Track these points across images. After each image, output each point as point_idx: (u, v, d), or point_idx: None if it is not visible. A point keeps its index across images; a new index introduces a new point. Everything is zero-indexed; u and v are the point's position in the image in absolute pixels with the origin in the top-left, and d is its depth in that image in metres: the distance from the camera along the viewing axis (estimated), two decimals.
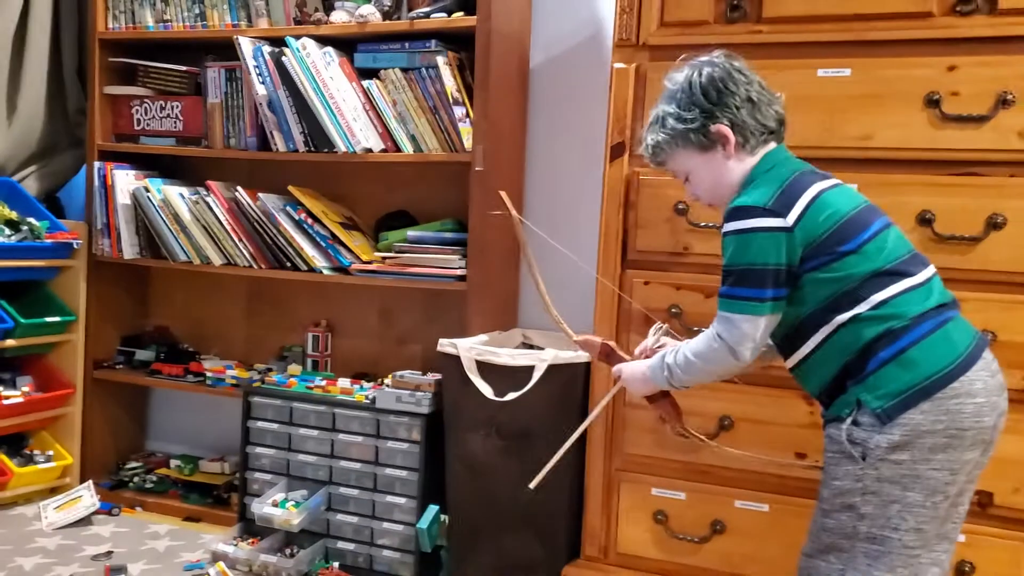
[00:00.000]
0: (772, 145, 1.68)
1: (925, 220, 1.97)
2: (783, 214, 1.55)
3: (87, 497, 2.94)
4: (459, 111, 2.64)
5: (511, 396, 2.35)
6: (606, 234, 2.27)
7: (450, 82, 2.63)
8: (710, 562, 2.20)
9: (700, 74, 1.66)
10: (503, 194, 1.92)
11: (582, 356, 2.33)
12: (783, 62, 2.07)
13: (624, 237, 2.26)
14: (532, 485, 1.86)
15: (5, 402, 2.91)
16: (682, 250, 2.20)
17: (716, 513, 2.19)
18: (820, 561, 1.57)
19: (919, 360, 1.49)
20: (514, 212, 1.90)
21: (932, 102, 1.96)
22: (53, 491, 3.07)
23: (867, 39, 2.01)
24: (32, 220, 3.01)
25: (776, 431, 2.12)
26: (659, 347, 1.82)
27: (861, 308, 1.52)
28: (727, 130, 1.65)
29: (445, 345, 2.46)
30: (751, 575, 2.16)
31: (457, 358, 2.42)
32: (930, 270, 1.59)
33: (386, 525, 2.57)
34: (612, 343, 1.88)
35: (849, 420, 1.52)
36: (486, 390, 2.39)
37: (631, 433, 2.27)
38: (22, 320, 2.93)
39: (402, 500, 2.55)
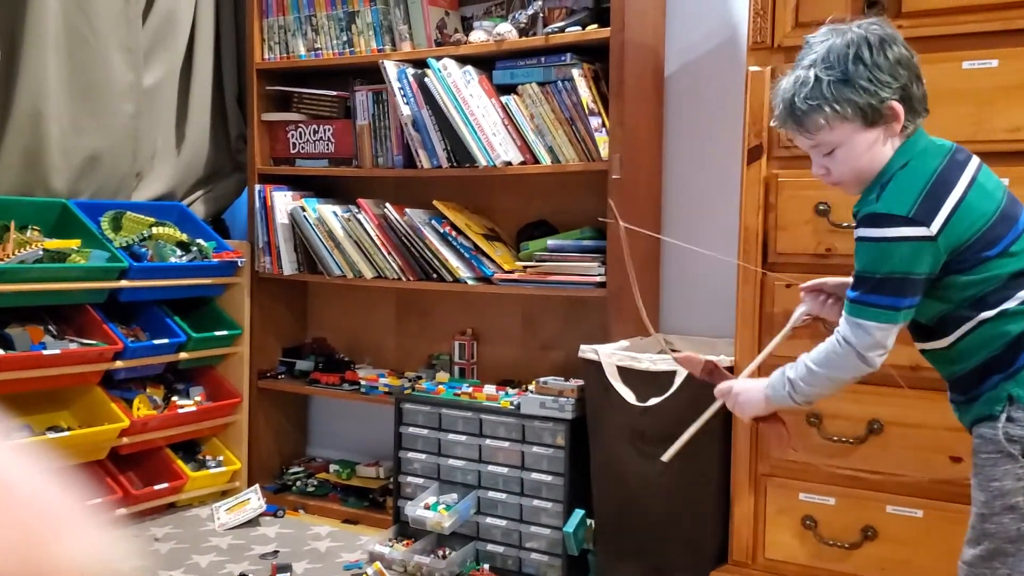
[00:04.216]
0: (912, 129, 1.56)
1: None
2: (927, 222, 1.47)
3: (254, 500, 3.10)
4: (595, 121, 2.68)
5: (653, 401, 2.37)
6: (746, 237, 2.26)
7: (585, 93, 2.68)
8: (861, 568, 2.15)
9: (870, 40, 1.48)
10: (611, 203, 1.93)
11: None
12: (925, 56, 1.99)
13: (764, 240, 2.24)
14: (665, 458, 1.81)
15: (180, 411, 3.10)
16: (825, 251, 2.16)
17: (867, 519, 2.14)
18: (984, 569, 1.49)
19: None
20: (621, 221, 1.89)
21: None
22: (224, 494, 3.25)
23: (1015, 28, 1.94)
24: (201, 241, 3.22)
25: (928, 434, 2.05)
26: (805, 320, 1.80)
27: (1009, 304, 1.48)
28: (899, 107, 1.50)
29: (586, 351, 2.49)
30: None
31: (599, 364, 2.45)
32: None
33: (534, 529, 2.61)
34: (716, 360, 1.84)
35: (1003, 417, 1.47)
36: (628, 395, 2.41)
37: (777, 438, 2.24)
38: (194, 334, 3.12)
39: (548, 504, 2.59)
